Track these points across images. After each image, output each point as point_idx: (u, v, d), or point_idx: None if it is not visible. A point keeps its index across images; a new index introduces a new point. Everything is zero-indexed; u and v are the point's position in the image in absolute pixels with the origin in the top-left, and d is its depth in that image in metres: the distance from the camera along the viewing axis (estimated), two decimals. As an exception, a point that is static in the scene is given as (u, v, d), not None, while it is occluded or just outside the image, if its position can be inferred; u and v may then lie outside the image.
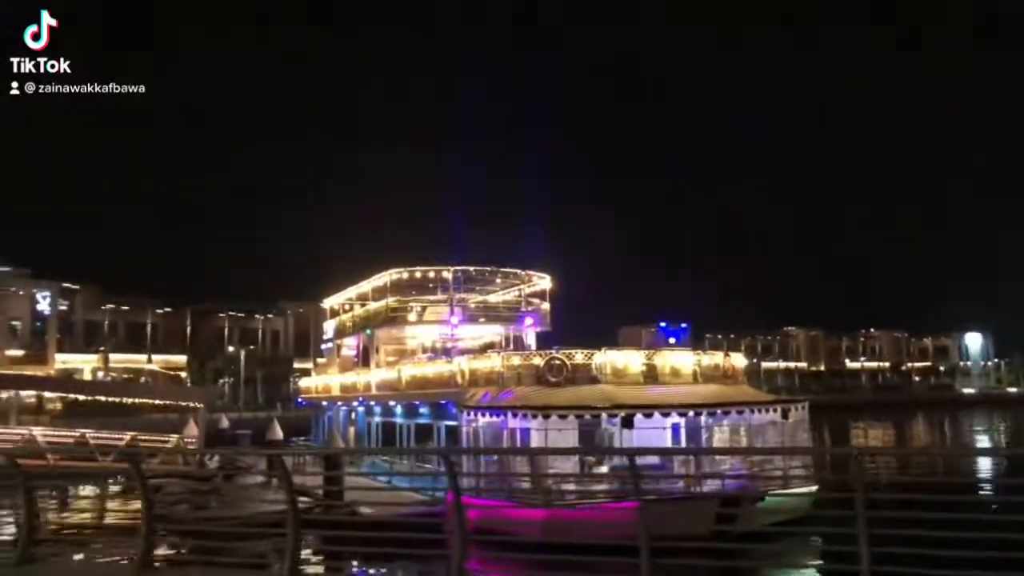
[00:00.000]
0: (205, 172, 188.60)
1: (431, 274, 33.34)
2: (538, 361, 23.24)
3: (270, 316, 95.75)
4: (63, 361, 74.72)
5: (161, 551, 20.24)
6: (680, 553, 7.29)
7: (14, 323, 73.39)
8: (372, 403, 33.77)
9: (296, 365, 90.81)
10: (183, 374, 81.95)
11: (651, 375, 23.59)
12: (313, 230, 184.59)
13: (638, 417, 20.86)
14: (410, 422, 30.25)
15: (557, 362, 22.80)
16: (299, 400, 46.60)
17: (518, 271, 34.80)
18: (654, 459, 23.14)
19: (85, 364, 76.31)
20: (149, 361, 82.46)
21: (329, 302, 42.41)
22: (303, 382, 46.64)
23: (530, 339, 35.27)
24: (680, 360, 24.28)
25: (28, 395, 58.87)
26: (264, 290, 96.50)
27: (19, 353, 71.08)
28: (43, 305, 75.75)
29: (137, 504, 27.32)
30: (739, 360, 26.46)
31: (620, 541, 7.38)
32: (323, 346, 44.03)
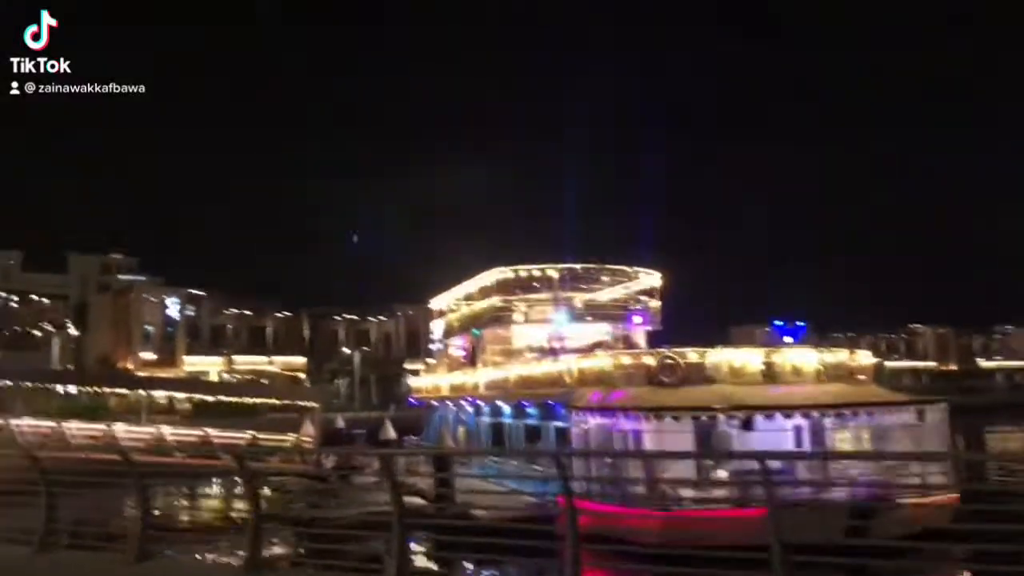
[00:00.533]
0: (327, 175, 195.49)
1: (536, 272, 32.98)
2: (650, 360, 22.42)
3: (382, 318, 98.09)
4: (191, 363, 78.88)
5: (279, 549, 20.71)
6: (813, 564, 6.52)
7: (148, 328, 78.07)
8: (481, 403, 33.72)
9: (407, 366, 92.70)
10: (302, 375, 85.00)
11: (770, 374, 22.34)
12: (423, 232, 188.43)
13: (758, 418, 19.73)
14: (519, 423, 29.96)
15: (670, 361, 21.91)
16: (410, 400, 47.22)
17: (626, 268, 33.97)
18: (776, 463, 21.97)
19: (211, 366, 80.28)
20: (270, 363, 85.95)
21: (436, 303, 42.79)
22: (413, 382, 47.28)
23: (639, 338, 34.34)
24: (802, 358, 22.89)
25: (160, 396, 62.67)
26: (376, 293, 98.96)
27: (152, 356, 75.55)
28: (172, 311, 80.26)
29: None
30: (866, 358, 24.77)
31: (744, 548, 6.84)
32: (432, 346, 44.49)
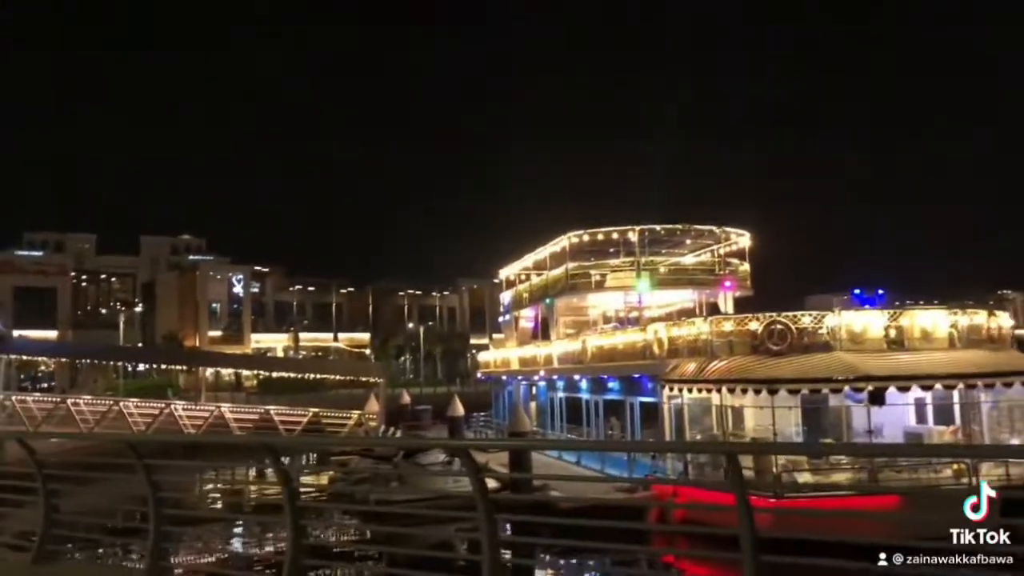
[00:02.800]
0: (393, 161, 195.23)
1: (614, 235, 30.16)
2: (755, 326, 19.54)
3: (446, 293, 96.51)
4: (257, 340, 78.59)
5: (347, 537, 18.67)
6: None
7: (214, 305, 78.00)
8: (554, 377, 31.32)
9: (472, 341, 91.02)
10: (367, 351, 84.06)
11: (897, 339, 19.23)
12: (489, 205, 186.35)
13: (891, 390, 16.74)
14: (597, 398, 27.45)
15: (779, 326, 19.02)
16: (479, 375, 45.09)
17: (713, 228, 30.84)
18: (898, 441, 18.98)
19: (277, 343, 79.91)
20: (335, 339, 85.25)
21: (505, 272, 40.38)
22: (481, 356, 45.11)
23: (726, 305, 31.28)
24: (932, 320, 19.68)
25: (227, 372, 62.29)
26: (440, 268, 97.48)
27: (218, 334, 75.45)
28: (238, 288, 80.00)
29: (323, 480, 26.01)
30: (1006, 320, 21.36)
31: (870, 539, 5.06)
32: (500, 319, 42.19)
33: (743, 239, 31.58)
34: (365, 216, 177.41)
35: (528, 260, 36.33)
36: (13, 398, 29.41)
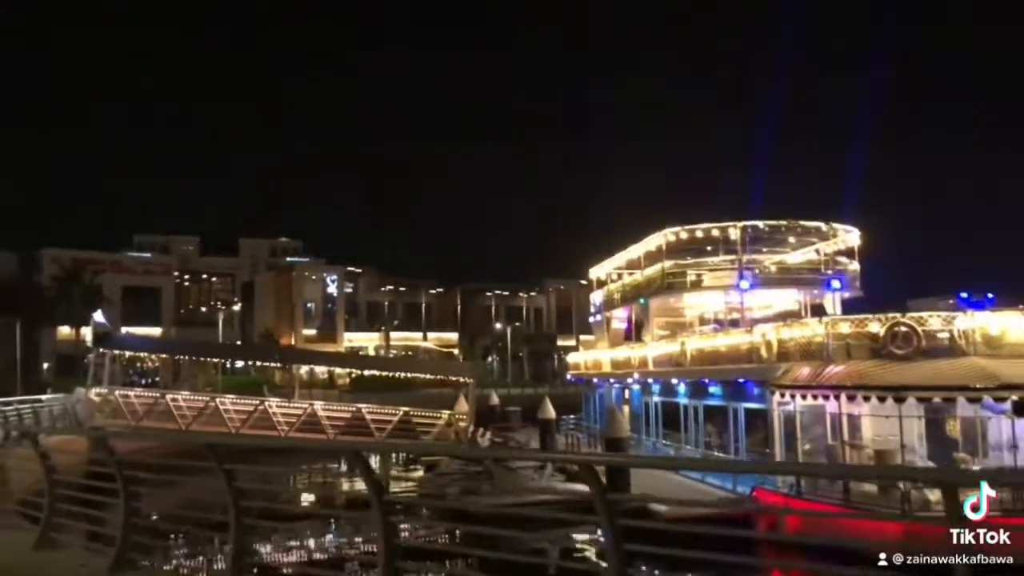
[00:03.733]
0: (474, 159, 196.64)
1: (714, 232, 28.70)
2: (876, 328, 17.94)
3: (533, 294, 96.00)
4: (350, 339, 79.91)
5: (438, 538, 18.11)
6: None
7: (309, 305, 79.75)
8: (649, 380, 30.10)
9: (559, 342, 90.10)
10: (455, 351, 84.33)
11: (1040, 345, 17.28)
12: (577, 205, 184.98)
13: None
14: (697, 403, 26.12)
15: (904, 328, 17.38)
16: (569, 377, 44.13)
17: (820, 225, 28.97)
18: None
19: (368, 342, 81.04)
20: (424, 339, 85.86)
21: (596, 271, 39.33)
22: (571, 357, 44.17)
23: (833, 306, 29.34)
24: (1084, 324, 17.60)
25: (321, 370, 63.37)
26: (527, 268, 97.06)
27: (313, 332, 77.05)
28: (332, 288, 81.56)
29: (413, 481, 25.42)
30: None
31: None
32: (591, 319, 41.12)
33: (852, 236, 29.62)
34: (454, 217, 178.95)
35: (621, 259, 35.19)
36: (116, 393, 30.28)
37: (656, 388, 29.68)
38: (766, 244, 31.56)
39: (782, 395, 18.95)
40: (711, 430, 25.67)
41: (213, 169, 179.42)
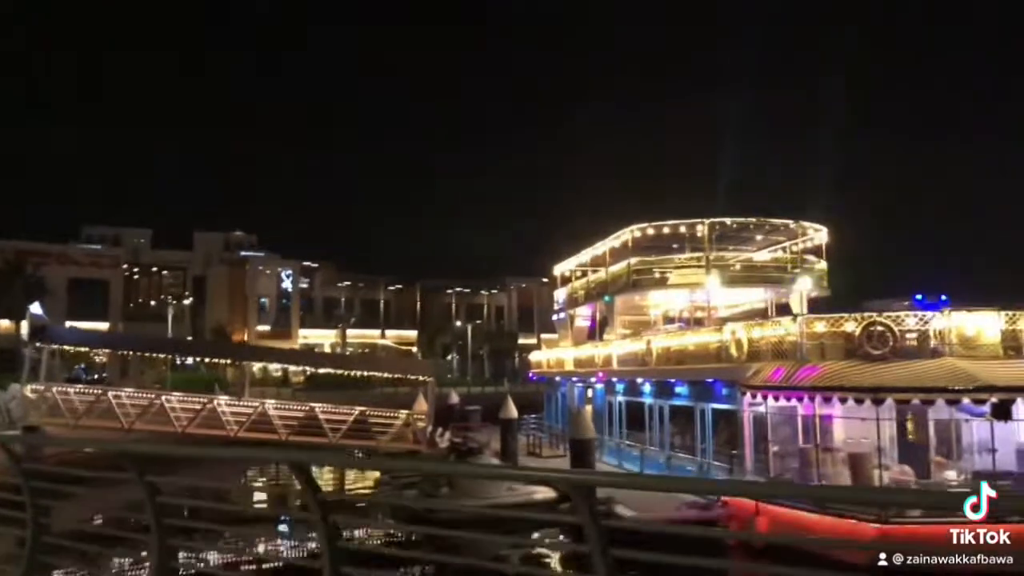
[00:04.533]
0: (436, 148, 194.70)
1: (681, 229, 28.14)
2: (852, 327, 17.44)
3: (494, 291, 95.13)
4: (305, 336, 78.14)
5: (393, 543, 17.12)
6: None
7: (262, 300, 77.77)
8: (613, 379, 29.46)
9: (520, 340, 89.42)
10: (414, 349, 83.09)
11: (1014, 344, 16.96)
12: (540, 202, 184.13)
13: (1017, 403, 14.56)
14: (663, 403, 25.51)
15: (879, 328, 16.91)
16: (531, 375, 43.34)
17: (788, 222, 28.62)
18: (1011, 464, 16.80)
19: (324, 339, 79.36)
20: (383, 336, 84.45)
21: (560, 268, 38.60)
22: (533, 356, 43.38)
23: (802, 306, 29.01)
24: (1058, 324, 17.33)
25: (275, 368, 61.66)
26: (489, 266, 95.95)
27: (267, 328, 75.12)
28: (287, 283, 79.67)
29: (370, 481, 24.26)
30: None
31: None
32: (554, 317, 40.41)
33: (820, 234, 29.37)
34: (413, 213, 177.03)
35: (585, 255, 34.52)
36: (54, 389, 28.63)
37: (620, 387, 29.05)
38: (732, 242, 31.18)
39: (753, 396, 18.38)
40: (675, 431, 25.11)
41: (167, 162, 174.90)
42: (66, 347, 36.48)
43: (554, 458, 29.13)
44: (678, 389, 24.37)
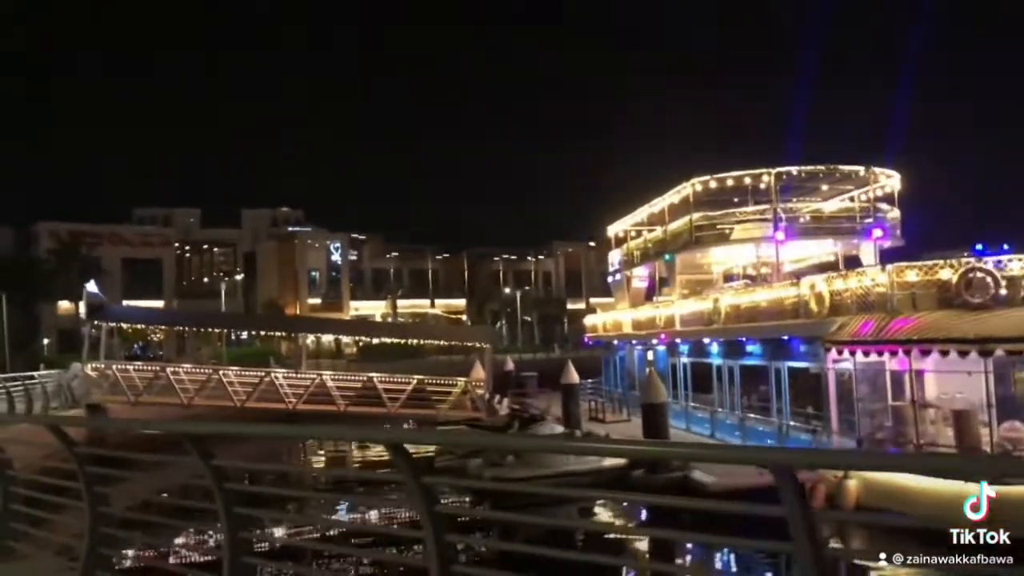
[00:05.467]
0: (479, 120, 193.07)
1: (746, 180, 26.73)
2: (947, 275, 16.09)
3: (541, 257, 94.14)
4: (356, 308, 78.33)
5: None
6: None
7: (313, 273, 78.03)
8: (677, 341, 28.38)
9: (568, 306, 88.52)
10: (463, 317, 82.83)
11: None
12: (588, 166, 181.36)
13: None
14: (733, 363, 24.40)
15: (979, 275, 15.53)
16: (586, 340, 42.41)
17: (859, 169, 26.97)
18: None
19: (375, 310, 79.46)
20: (432, 305, 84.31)
21: (613, 229, 37.42)
22: (588, 319, 42.38)
23: (876, 257, 27.39)
24: None
25: (328, 340, 61.77)
26: (535, 231, 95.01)
27: (318, 301, 75.43)
28: (335, 256, 79.78)
29: (429, 449, 23.70)
30: None
31: None
32: (609, 279, 39.30)
33: (893, 181, 27.67)
34: (459, 182, 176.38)
35: (642, 213, 33.28)
36: (114, 367, 28.68)
37: (685, 348, 27.99)
38: (796, 193, 29.67)
39: (839, 352, 17.19)
40: (744, 391, 24.05)
41: (211, 142, 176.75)
42: (123, 325, 36.81)
43: (618, 423, 28.31)
44: (749, 348, 23.23)
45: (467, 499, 20.75)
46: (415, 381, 28.57)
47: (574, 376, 27.75)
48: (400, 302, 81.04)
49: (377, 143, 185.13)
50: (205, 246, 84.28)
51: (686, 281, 32.88)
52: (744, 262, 31.29)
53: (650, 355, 32.23)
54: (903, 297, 16.46)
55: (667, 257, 30.34)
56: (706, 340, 25.74)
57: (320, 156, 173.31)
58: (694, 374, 27.59)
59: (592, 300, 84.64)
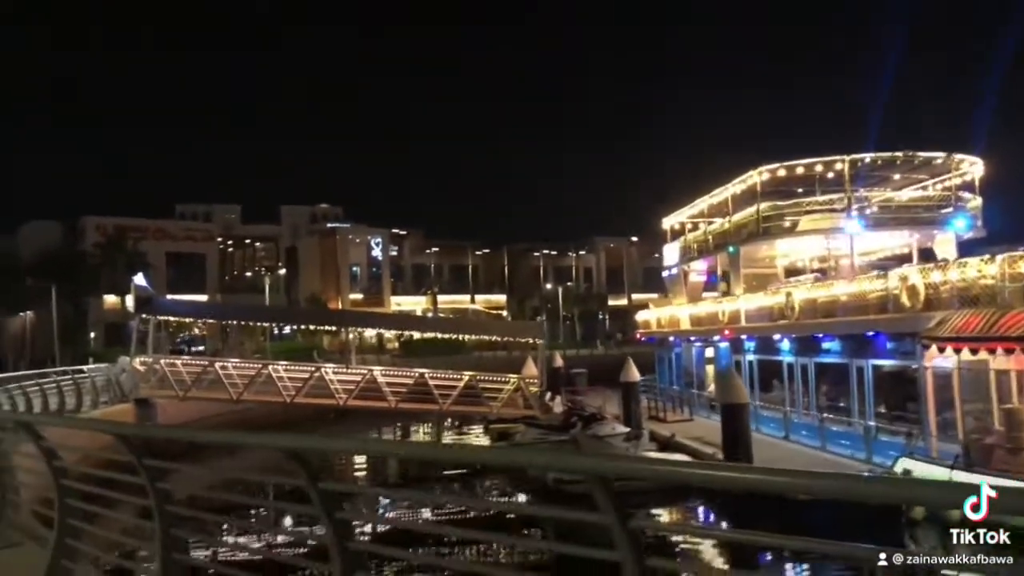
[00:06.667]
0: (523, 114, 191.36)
1: (817, 168, 25.29)
2: (1068, 264, 14.64)
3: (582, 253, 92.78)
4: (397, 302, 77.83)
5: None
6: None
7: (354, 268, 77.72)
8: (742, 337, 27.04)
9: (610, 302, 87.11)
10: (503, 312, 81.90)
11: None
12: (628, 160, 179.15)
13: None
14: (806, 361, 23.03)
15: (1108, 264, 14.04)
16: (639, 336, 41.15)
17: (939, 155, 25.37)
18: None
19: (416, 305, 78.83)
20: (472, 301, 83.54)
21: (669, 221, 36.08)
22: (641, 315, 41.09)
23: (948, 249, 25.75)
24: None
25: (370, 334, 61.17)
26: (576, 226, 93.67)
27: (359, 296, 75.06)
28: (376, 251, 79.39)
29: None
30: None
31: None
32: (664, 273, 37.95)
33: (975, 168, 26.02)
34: (499, 177, 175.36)
35: (700, 205, 31.93)
36: (162, 361, 28.17)
37: (751, 345, 26.64)
38: (867, 182, 28.08)
39: (940, 349, 15.81)
40: (823, 391, 22.68)
41: (249, 141, 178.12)
42: (170, 318, 36.39)
43: (680, 422, 27.09)
44: (826, 345, 21.85)
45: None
46: (466, 377, 27.61)
47: (635, 374, 26.56)
48: (440, 297, 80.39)
49: (419, 140, 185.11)
50: (247, 241, 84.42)
51: (747, 275, 31.52)
52: (810, 255, 29.84)
53: (709, 352, 30.95)
54: (1015, 289, 15.03)
55: (731, 249, 28.97)
56: (776, 336, 24.38)
57: (362, 154, 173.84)
58: (761, 372, 26.28)
59: (634, 296, 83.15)
